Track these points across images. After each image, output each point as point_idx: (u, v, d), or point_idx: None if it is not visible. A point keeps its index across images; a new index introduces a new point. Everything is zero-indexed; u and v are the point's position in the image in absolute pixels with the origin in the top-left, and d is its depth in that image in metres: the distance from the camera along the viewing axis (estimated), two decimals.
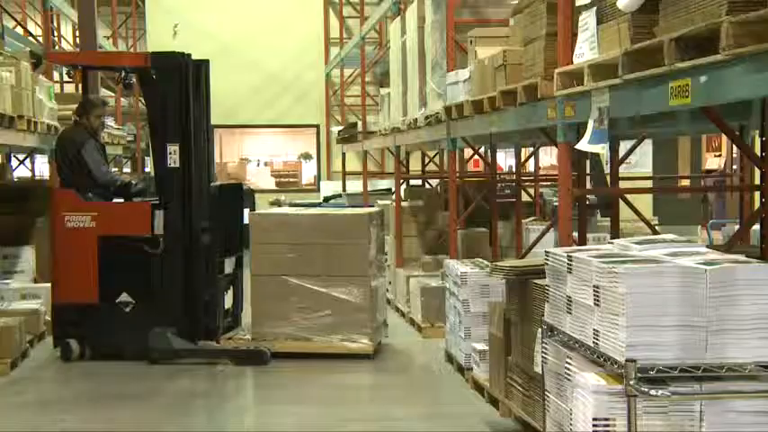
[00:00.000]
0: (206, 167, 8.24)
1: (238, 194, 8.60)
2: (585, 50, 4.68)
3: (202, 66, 8.16)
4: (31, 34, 16.47)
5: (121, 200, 8.33)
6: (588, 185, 8.94)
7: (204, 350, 7.97)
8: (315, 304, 7.89)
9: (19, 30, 16.16)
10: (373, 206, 11.29)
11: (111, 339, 7.92)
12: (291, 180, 21.80)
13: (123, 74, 8.09)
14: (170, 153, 7.95)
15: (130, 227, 8.04)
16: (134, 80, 8.08)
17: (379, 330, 8.15)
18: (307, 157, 21.83)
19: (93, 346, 7.96)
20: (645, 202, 16.01)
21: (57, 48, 17.69)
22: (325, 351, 7.83)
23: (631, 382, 3.46)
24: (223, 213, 8.27)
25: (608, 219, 8.62)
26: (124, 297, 7.94)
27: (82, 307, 7.92)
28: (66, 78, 21.77)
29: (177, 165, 7.94)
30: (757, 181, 6.41)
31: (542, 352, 4.53)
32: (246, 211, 8.90)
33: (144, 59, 8.08)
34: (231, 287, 8.55)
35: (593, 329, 3.84)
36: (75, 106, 11.02)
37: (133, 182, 8.49)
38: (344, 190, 16.88)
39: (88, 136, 8.31)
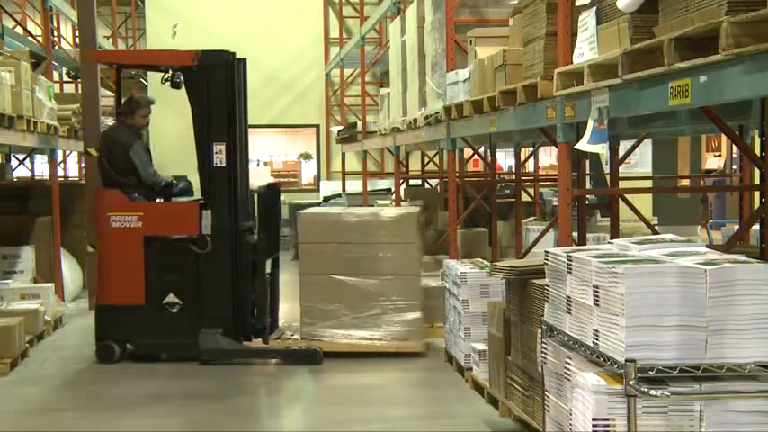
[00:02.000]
0: (247, 167, 8.22)
1: (276, 195, 8.53)
2: (585, 50, 4.68)
3: (242, 64, 8.11)
4: (30, 34, 16.47)
5: (161, 200, 8.28)
6: (588, 185, 8.94)
7: (256, 350, 7.93)
8: (364, 303, 7.90)
9: (19, 30, 16.17)
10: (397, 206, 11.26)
11: (157, 341, 7.88)
12: (291, 180, 21.81)
13: (171, 73, 7.99)
14: (216, 152, 7.91)
15: (178, 227, 8.01)
16: (182, 78, 7.94)
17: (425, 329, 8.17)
18: (306, 157, 21.84)
19: (138, 347, 7.90)
20: (645, 202, 16.02)
21: (56, 48, 17.67)
22: (375, 350, 7.84)
23: (631, 382, 3.46)
24: (263, 213, 8.24)
25: (608, 219, 8.62)
26: (171, 298, 7.90)
27: (127, 308, 7.86)
28: (66, 78, 21.84)
29: (224, 164, 7.92)
30: (757, 181, 6.41)
31: (542, 352, 4.53)
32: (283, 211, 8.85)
33: (192, 58, 7.95)
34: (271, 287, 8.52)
35: (593, 329, 3.84)
36: (74, 106, 11.10)
37: (174, 182, 8.41)
38: (344, 190, 16.89)
39: (135, 136, 8.24)
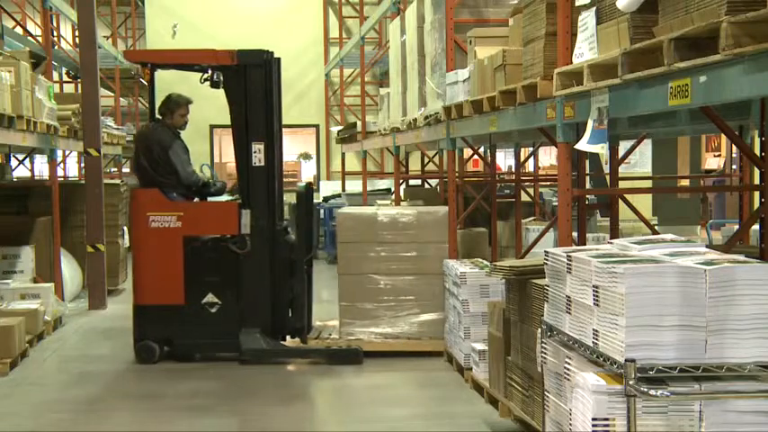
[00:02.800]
0: (281, 166, 8.20)
1: (310, 194, 8.51)
2: (585, 50, 4.68)
3: (278, 62, 8.09)
4: (30, 34, 16.48)
5: (196, 199, 8.26)
6: (588, 185, 8.93)
7: (297, 350, 7.94)
8: (402, 302, 7.92)
9: (18, 30, 16.17)
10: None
11: (196, 341, 7.88)
12: (291, 180, 21.80)
13: (210, 72, 7.93)
14: (255, 152, 7.91)
15: (217, 227, 8.01)
16: (222, 77, 7.90)
17: None
18: (306, 156, 21.84)
19: (177, 347, 7.90)
20: (644, 202, 16.03)
21: (56, 48, 17.67)
22: (411, 349, 7.83)
23: (631, 382, 3.46)
24: (301, 212, 8.22)
25: (608, 219, 8.62)
26: (210, 298, 7.90)
27: (166, 308, 7.85)
28: (66, 78, 21.84)
29: (263, 163, 7.92)
30: (757, 181, 6.40)
31: (542, 352, 4.53)
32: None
33: (231, 57, 7.94)
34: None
35: (593, 329, 3.84)
36: (74, 106, 11.10)
37: (211, 181, 8.40)
38: (344, 190, 16.89)
39: (174, 136, 8.22)
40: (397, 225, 8.03)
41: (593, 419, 3.61)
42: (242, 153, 7.98)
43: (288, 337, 8.06)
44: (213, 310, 7.90)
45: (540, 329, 4.53)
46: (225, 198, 8.46)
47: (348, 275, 8.03)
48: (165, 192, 8.00)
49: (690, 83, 3.63)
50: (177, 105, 8.30)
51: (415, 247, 7.97)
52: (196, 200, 8.27)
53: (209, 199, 8.36)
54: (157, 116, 8.34)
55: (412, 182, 15.44)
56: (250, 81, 7.90)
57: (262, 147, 7.90)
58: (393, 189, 13.78)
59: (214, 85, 7.96)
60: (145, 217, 7.89)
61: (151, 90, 8.45)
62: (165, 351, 7.90)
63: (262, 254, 7.91)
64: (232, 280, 7.92)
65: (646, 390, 3.44)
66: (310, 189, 8.47)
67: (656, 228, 7.46)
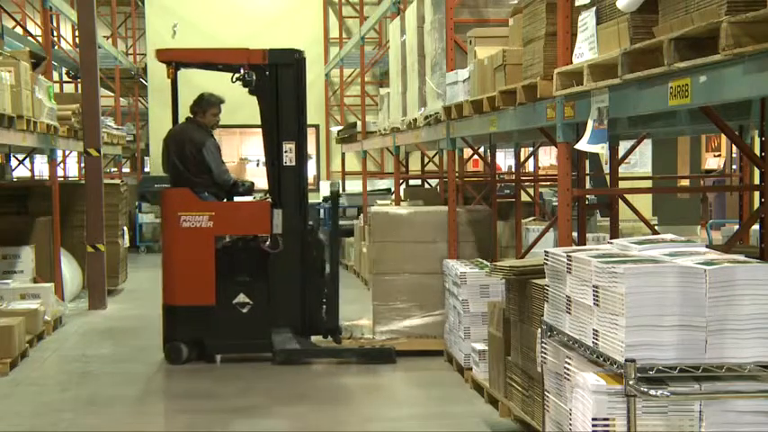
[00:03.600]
0: (307, 166, 8.20)
1: (338, 194, 8.49)
2: (585, 50, 4.68)
3: (304, 61, 8.08)
4: (30, 34, 16.49)
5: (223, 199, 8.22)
6: (588, 185, 8.93)
7: (330, 350, 7.93)
8: (436, 302, 7.90)
9: (18, 30, 16.17)
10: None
11: (228, 341, 7.85)
12: None
13: (243, 71, 7.86)
14: (286, 151, 7.88)
15: (249, 227, 7.98)
16: (254, 77, 7.84)
17: None
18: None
19: (208, 348, 7.86)
20: (644, 202, 16.03)
21: (56, 48, 17.68)
22: (445, 349, 7.80)
23: (631, 382, 3.46)
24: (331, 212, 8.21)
25: (608, 219, 8.62)
26: (241, 298, 7.87)
27: (197, 309, 7.80)
28: (66, 78, 21.85)
29: (293, 163, 7.90)
30: (757, 181, 6.40)
31: (542, 352, 4.53)
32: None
33: (262, 56, 7.90)
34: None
35: (593, 329, 3.84)
36: (74, 106, 11.10)
37: (240, 181, 8.38)
38: (344, 190, 16.89)
39: (208, 135, 8.19)
40: (435, 224, 8.02)
41: (593, 419, 3.61)
42: (272, 153, 7.96)
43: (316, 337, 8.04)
44: (244, 311, 7.86)
45: (540, 329, 4.53)
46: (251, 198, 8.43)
47: (382, 275, 8.04)
48: (197, 191, 7.95)
49: (690, 83, 3.63)
50: (210, 105, 8.27)
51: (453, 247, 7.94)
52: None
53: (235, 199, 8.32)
54: (189, 115, 8.29)
55: (412, 182, 15.44)
56: (281, 81, 7.88)
57: (293, 146, 7.89)
58: (393, 189, 13.79)
59: (246, 84, 7.88)
60: (176, 217, 7.81)
61: (174, 89, 8.26)
62: (193, 352, 7.83)
63: (293, 253, 7.89)
64: (263, 280, 7.89)
65: (646, 390, 3.44)
66: (338, 190, 8.44)
67: (656, 228, 7.46)
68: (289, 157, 7.90)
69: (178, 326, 7.83)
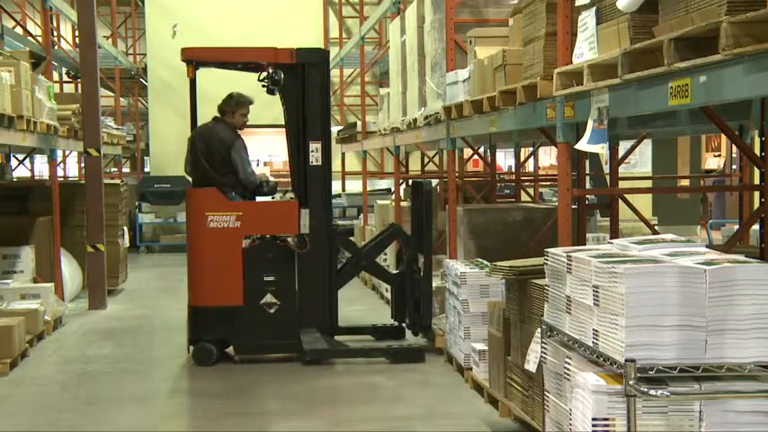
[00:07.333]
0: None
1: (429, 192, 8.33)
2: (585, 50, 4.68)
3: (328, 61, 8.05)
4: (30, 34, 16.48)
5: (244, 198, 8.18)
6: (588, 185, 8.93)
7: (360, 350, 7.93)
8: None
9: (18, 30, 16.17)
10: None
11: (256, 342, 7.83)
12: (288, 180, 21.77)
13: (270, 70, 7.82)
14: (312, 151, 7.88)
15: (277, 226, 7.96)
16: (282, 76, 7.79)
17: None
18: None
19: (237, 349, 7.86)
20: (644, 202, 16.02)
21: (56, 48, 17.67)
22: None
23: (631, 382, 3.46)
24: (419, 211, 8.16)
25: (608, 219, 8.62)
26: (269, 298, 7.85)
27: (224, 310, 7.76)
28: (66, 78, 21.85)
29: (320, 162, 7.90)
30: (757, 181, 6.40)
31: (542, 352, 4.53)
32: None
33: (290, 55, 7.87)
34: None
35: (593, 329, 3.84)
36: (74, 106, 11.10)
37: (264, 181, 8.36)
38: (344, 190, 16.89)
39: (236, 135, 8.15)
40: (522, 220, 7.97)
41: (593, 419, 3.61)
42: (298, 153, 7.95)
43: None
44: (272, 311, 7.85)
45: (540, 329, 4.53)
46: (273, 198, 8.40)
47: None
48: (224, 191, 7.91)
49: (690, 83, 3.64)
50: (239, 105, 8.22)
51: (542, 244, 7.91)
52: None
53: (257, 198, 8.30)
54: (216, 114, 8.25)
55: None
56: (308, 80, 7.86)
57: (319, 146, 7.89)
58: (393, 189, 13.79)
59: (274, 83, 7.83)
60: (203, 217, 7.76)
61: (193, 89, 8.11)
62: (221, 353, 7.81)
63: (320, 253, 7.88)
64: (290, 280, 7.87)
65: (646, 390, 3.44)
66: (419, 186, 8.35)
67: (656, 228, 7.46)
68: (315, 157, 7.90)
69: (205, 327, 7.78)
